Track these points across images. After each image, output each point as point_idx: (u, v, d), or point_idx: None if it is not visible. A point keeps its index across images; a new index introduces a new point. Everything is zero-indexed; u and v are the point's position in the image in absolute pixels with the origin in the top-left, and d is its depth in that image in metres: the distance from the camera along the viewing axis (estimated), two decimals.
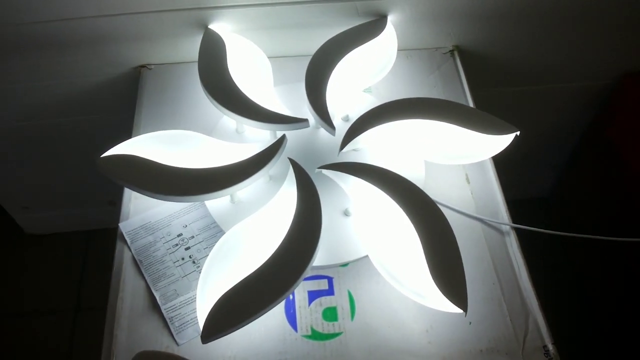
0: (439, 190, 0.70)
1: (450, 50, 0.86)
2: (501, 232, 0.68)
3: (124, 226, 0.67)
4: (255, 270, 0.55)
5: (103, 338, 0.59)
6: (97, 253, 1.26)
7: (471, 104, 0.80)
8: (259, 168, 0.62)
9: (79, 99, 0.92)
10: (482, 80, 0.93)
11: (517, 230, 0.68)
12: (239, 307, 0.53)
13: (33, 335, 1.17)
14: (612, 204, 1.05)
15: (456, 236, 0.65)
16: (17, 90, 0.89)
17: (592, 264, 1.19)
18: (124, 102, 0.84)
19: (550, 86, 0.98)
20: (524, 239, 0.68)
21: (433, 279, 0.54)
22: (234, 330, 0.52)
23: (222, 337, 0.52)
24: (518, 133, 0.66)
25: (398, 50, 0.82)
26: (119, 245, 0.66)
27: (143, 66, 0.85)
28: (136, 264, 0.64)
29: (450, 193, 0.71)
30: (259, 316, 0.53)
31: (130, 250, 0.65)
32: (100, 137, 0.81)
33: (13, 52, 0.80)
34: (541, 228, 0.69)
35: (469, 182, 0.72)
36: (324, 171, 0.64)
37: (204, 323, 0.52)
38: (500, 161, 0.71)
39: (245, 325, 0.53)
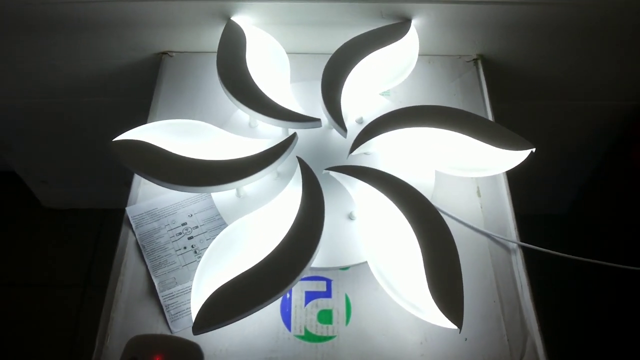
0: (448, 201, 0.69)
1: (474, 59, 0.85)
2: (507, 249, 0.66)
3: (131, 210, 0.67)
4: (253, 267, 0.55)
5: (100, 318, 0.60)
6: (110, 232, 1.27)
7: (490, 115, 0.78)
8: (265, 165, 0.61)
9: (101, 80, 0.93)
10: (505, 92, 0.91)
11: (525, 248, 0.66)
12: (232, 302, 0.53)
13: (41, 307, 1.20)
14: (631, 230, 1.02)
15: (461, 249, 0.64)
16: (43, 67, 0.90)
17: (604, 290, 1.16)
18: (144, 87, 0.85)
19: (574, 103, 0.96)
20: (533, 257, 0.66)
21: (430, 292, 0.53)
22: (225, 325, 0.52)
23: (213, 330, 0.52)
24: (534, 150, 0.65)
25: (420, 55, 0.81)
26: (124, 228, 0.67)
27: (165, 53, 0.86)
28: (139, 248, 0.65)
29: (459, 205, 0.70)
30: (252, 313, 0.53)
31: (135, 235, 0.66)
32: (119, 120, 0.82)
33: (41, 30, 0.81)
34: (555, 247, 0.67)
35: (479, 195, 0.71)
36: (332, 173, 0.63)
37: (197, 315, 0.52)
38: (517, 175, 0.69)
39: (237, 321, 0.53)
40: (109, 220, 1.31)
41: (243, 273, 0.54)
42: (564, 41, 0.83)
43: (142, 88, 0.85)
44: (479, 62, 0.84)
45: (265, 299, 0.53)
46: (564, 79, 0.91)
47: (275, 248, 0.56)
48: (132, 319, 0.60)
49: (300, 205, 0.59)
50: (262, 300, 0.53)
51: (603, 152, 1.10)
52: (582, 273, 1.20)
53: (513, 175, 0.72)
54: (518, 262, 0.65)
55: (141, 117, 0.77)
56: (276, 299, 0.55)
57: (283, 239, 0.56)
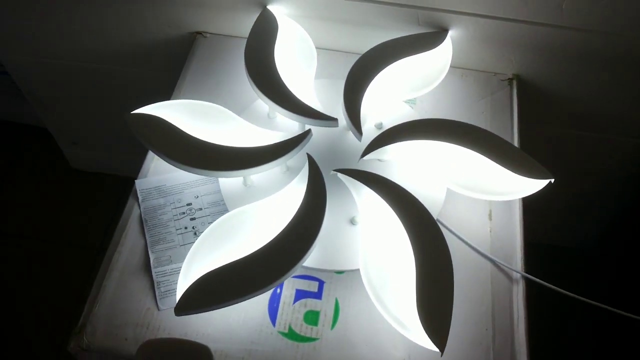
0: (456, 220, 0.67)
1: (509, 78, 0.82)
2: (510, 278, 0.64)
3: (139, 183, 0.68)
4: (244, 257, 0.55)
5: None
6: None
7: (516, 138, 0.75)
8: (274, 157, 0.61)
9: (136, 52, 0.95)
10: (536, 115, 0.89)
11: (528, 280, 0.64)
12: (218, 289, 0.53)
13: (54, 265, 1.24)
14: None
15: (462, 271, 0.63)
16: (85, 33, 0.93)
17: (604, 336, 1.11)
18: (175, 63, 0.86)
19: (608, 136, 0.92)
20: (537, 288, 0.64)
21: (417, 310, 0.52)
22: (208, 311, 0.53)
23: (195, 313, 0.53)
24: (552, 181, 0.62)
25: (454, 67, 0.79)
26: (130, 200, 0.68)
27: (199, 33, 0.86)
28: (142, 222, 0.66)
29: (468, 225, 0.68)
30: (236, 303, 0.53)
31: (140, 208, 0.67)
32: (149, 92, 0.84)
33: None
34: (569, 280, 0.64)
35: (490, 219, 0.69)
36: (339, 175, 0.62)
37: (181, 297, 0.52)
38: (540, 202, 0.67)
39: (220, 308, 0.53)
40: (130, 188, 1.34)
41: (233, 262, 0.54)
42: (606, 73, 0.79)
43: (175, 65, 0.86)
44: (514, 82, 0.82)
45: (251, 292, 0.53)
46: (600, 111, 0.87)
47: (269, 242, 0.56)
48: (123, 290, 0.61)
49: (302, 202, 0.58)
50: (248, 292, 0.53)
51: (632, 190, 1.05)
52: (586, 313, 1.16)
53: (534, 202, 0.70)
54: (519, 293, 0.63)
55: (166, 93, 0.78)
56: (263, 293, 0.54)
57: (278, 234, 0.56)
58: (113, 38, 0.93)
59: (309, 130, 0.64)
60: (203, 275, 0.53)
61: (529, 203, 0.69)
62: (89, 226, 1.30)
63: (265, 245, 0.55)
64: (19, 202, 1.34)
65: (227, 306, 0.53)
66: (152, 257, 0.63)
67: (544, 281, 0.64)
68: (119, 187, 1.35)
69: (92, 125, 1.20)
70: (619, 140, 0.92)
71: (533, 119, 0.82)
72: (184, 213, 0.67)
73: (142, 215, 0.66)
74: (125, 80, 1.02)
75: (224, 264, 0.54)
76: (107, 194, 1.35)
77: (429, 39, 0.75)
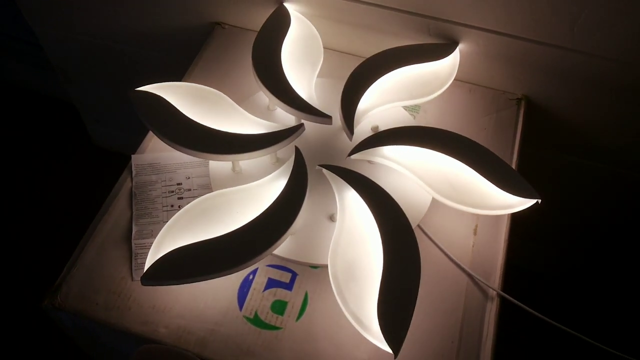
0: (440, 230, 0.67)
1: (518, 98, 0.81)
2: (485, 295, 0.63)
3: (136, 158, 0.71)
4: (214, 238, 0.56)
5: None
6: None
7: (514, 158, 0.74)
8: (263, 146, 0.62)
9: (159, 36, 0.98)
10: (540, 139, 0.87)
11: (504, 299, 0.63)
12: (186, 265, 0.54)
13: (62, 233, 1.28)
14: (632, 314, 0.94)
15: (438, 281, 0.63)
16: (116, 14, 0.96)
17: None
18: (194, 50, 0.89)
19: (612, 169, 0.89)
20: (513, 310, 0.63)
21: (377, 309, 0.52)
22: (173, 284, 0.54)
23: (160, 285, 0.54)
24: (539, 201, 0.61)
25: (463, 81, 0.79)
26: (124, 173, 0.70)
27: (219, 23, 0.89)
28: (132, 195, 0.68)
29: (451, 236, 0.67)
30: (201, 280, 0.54)
31: (132, 182, 0.69)
32: (164, 75, 0.86)
33: None
34: (549, 307, 0.62)
35: (475, 234, 0.68)
36: (324, 170, 0.63)
37: (149, 267, 0.54)
38: (527, 225, 0.66)
39: (185, 283, 0.54)
40: None
41: (204, 241, 0.55)
42: (616, 102, 0.78)
43: (194, 51, 0.89)
44: (522, 102, 0.81)
45: (216, 271, 0.54)
46: (606, 141, 0.85)
47: (242, 226, 0.57)
48: (102, 257, 0.63)
49: (282, 192, 0.59)
50: (213, 272, 0.54)
51: (620, 225, 1.02)
52: (557, 341, 1.12)
53: (522, 224, 0.69)
54: (491, 311, 0.62)
55: (178, 77, 0.81)
56: (229, 274, 0.55)
57: (252, 220, 0.57)
58: (142, 21, 0.96)
59: (301, 125, 0.65)
60: (173, 250, 0.55)
61: (516, 225, 0.68)
62: (98, 201, 1.34)
63: (237, 229, 0.56)
64: (38, 172, 1.39)
65: (191, 282, 0.54)
66: (134, 229, 0.64)
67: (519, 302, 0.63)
68: None
69: (114, 104, 1.24)
70: (619, 172, 0.90)
71: (535, 141, 0.81)
72: (172, 191, 0.68)
73: (133, 189, 0.68)
74: (147, 62, 1.06)
75: (195, 241, 0.56)
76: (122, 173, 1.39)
77: (438, 50, 0.75)
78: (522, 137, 0.77)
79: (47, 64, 1.19)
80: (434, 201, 0.67)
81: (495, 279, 0.64)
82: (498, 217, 0.68)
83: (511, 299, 0.63)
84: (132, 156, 0.71)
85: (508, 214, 0.67)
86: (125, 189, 0.69)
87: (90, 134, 1.40)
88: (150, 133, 0.74)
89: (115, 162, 1.39)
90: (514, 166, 0.73)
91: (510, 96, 0.81)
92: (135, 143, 1.34)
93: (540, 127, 0.83)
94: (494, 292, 0.63)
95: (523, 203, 0.62)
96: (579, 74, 0.75)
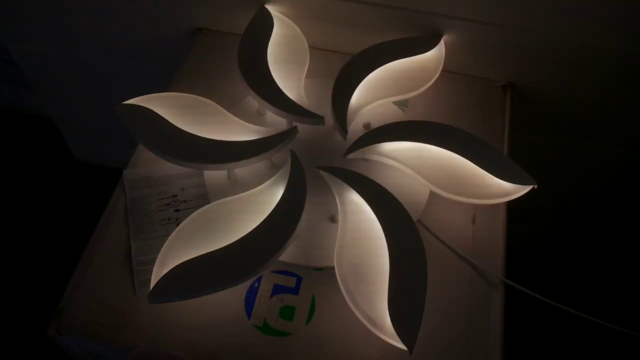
0: (440, 222, 0.67)
1: (503, 85, 0.82)
2: (489, 283, 0.64)
3: (127, 173, 0.69)
4: (219, 249, 0.55)
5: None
6: None
7: (505, 145, 0.75)
8: (258, 152, 0.62)
9: (139, 46, 0.96)
10: (529, 123, 0.88)
11: (508, 285, 0.64)
12: (192, 279, 0.54)
13: (53, 253, 1.25)
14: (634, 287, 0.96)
15: (442, 273, 0.63)
16: (90, 26, 0.94)
17: (582, 347, 1.09)
18: (177, 58, 0.87)
19: (601, 148, 0.91)
20: (517, 294, 0.64)
21: (389, 308, 0.52)
22: (180, 299, 0.53)
23: (168, 302, 0.53)
24: (535, 187, 0.62)
25: (448, 71, 0.79)
26: (117, 190, 0.69)
27: (200, 29, 0.87)
28: (127, 211, 0.67)
29: (451, 228, 0.67)
30: (209, 293, 0.54)
31: (126, 198, 0.68)
32: (148, 85, 0.85)
33: None
34: (551, 286, 0.63)
35: (474, 223, 0.68)
36: (322, 172, 0.63)
37: (155, 284, 0.53)
38: (524, 209, 0.67)
39: (193, 298, 0.54)
40: None
41: (208, 253, 0.55)
42: (601, 83, 0.79)
43: (176, 59, 0.87)
44: (509, 89, 0.81)
45: (224, 284, 0.54)
46: (594, 122, 0.86)
47: (245, 235, 0.56)
48: (103, 277, 0.62)
49: (281, 198, 0.59)
50: (222, 284, 0.54)
51: (618, 200, 1.04)
52: (565, 320, 1.15)
53: (518, 208, 0.69)
54: (497, 298, 0.62)
55: (164, 85, 0.79)
56: (237, 285, 0.55)
57: (255, 228, 0.57)
58: (117, 32, 0.95)
59: (294, 127, 0.65)
60: (178, 265, 0.54)
61: (513, 209, 0.69)
62: (87, 216, 1.31)
63: (241, 239, 0.56)
64: (21, 190, 1.36)
65: (199, 296, 0.54)
66: (134, 246, 0.63)
67: (524, 288, 0.63)
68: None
69: (94, 117, 1.22)
70: (610, 151, 0.91)
71: (524, 126, 0.82)
72: (168, 204, 0.67)
73: (127, 205, 0.67)
74: (128, 74, 1.04)
75: (199, 254, 0.55)
76: (109, 187, 1.37)
77: (423, 43, 0.75)
78: (511, 123, 0.77)
79: (23, 80, 1.16)
80: (431, 195, 0.68)
81: (498, 266, 0.65)
82: (495, 205, 0.68)
83: (514, 284, 0.64)
84: (124, 171, 0.70)
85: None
86: (119, 205, 0.67)
87: (71, 149, 1.37)
88: (140, 146, 0.73)
89: (100, 175, 1.38)
90: (505, 152, 0.74)
91: (496, 83, 0.82)
92: (118, 154, 1.32)
93: (527, 111, 0.84)
94: (498, 280, 0.64)
95: (520, 190, 0.63)
96: (561, 57, 0.76)
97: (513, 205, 0.68)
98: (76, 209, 1.33)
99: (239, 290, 0.61)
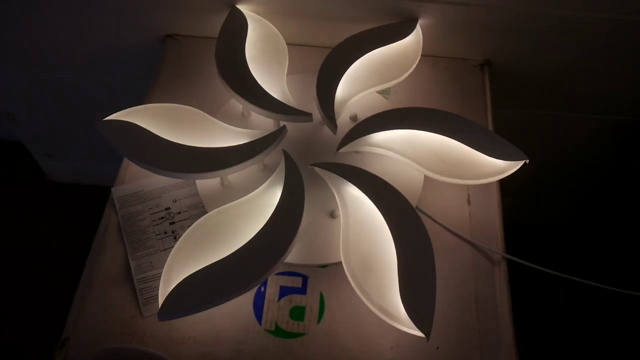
0: (436, 206, 0.68)
1: (480, 64, 0.83)
2: (491, 260, 0.65)
3: (116, 191, 0.68)
4: (224, 258, 0.54)
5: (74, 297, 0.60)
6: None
7: (490, 122, 0.76)
8: (250, 156, 0.61)
9: (105, 58, 0.93)
10: (509, 99, 0.90)
11: (510, 260, 0.65)
12: (200, 291, 0.53)
13: (35, 278, 1.22)
14: (631, 249, 0.99)
15: (444, 256, 0.63)
16: (53, 42, 0.91)
17: (588, 310, 1.13)
18: (147, 68, 0.85)
19: (581, 115, 0.93)
20: (519, 268, 0.65)
21: (401, 298, 0.53)
22: (191, 313, 0.52)
23: (179, 317, 0.52)
24: (527, 161, 0.63)
25: (425, 55, 0.79)
26: (107, 209, 0.67)
27: (170, 36, 0.85)
28: (120, 230, 0.65)
29: (447, 211, 0.68)
30: (220, 304, 0.53)
31: (117, 216, 0.66)
32: (123, 98, 0.83)
33: (51, 4, 0.81)
34: (550, 258, 0.65)
35: (469, 203, 0.69)
36: (316, 169, 0.62)
37: (164, 301, 0.52)
38: (516, 183, 0.68)
39: (204, 310, 0.53)
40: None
41: (214, 263, 0.54)
42: (574, 52, 0.80)
43: (146, 69, 0.85)
44: (486, 67, 0.82)
45: (234, 292, 0.53)
46: (571, 91, 0.88)
47: (250, 240, 0.55)
48: (105, 300, 0.60)
49: (280, 199, 0.58)
50: (231, 293, 0.53)
51: (606, 166, 1.07)
52: (568, 289, 1.18)
53: (510, 183, 0.70)
54: (500, 274, 0.63)
55: (140, 97, 0.77)
56: (245, 292, 0.54)
57: (258, 232, 0.56)
58: (82, 46, 0.91)
59: (283, 127, 0.64)
60: (184, 279, 0.53)
61: (504, 185, 0.70)
62: (69, 237, 1.28)
63: (245, 245, 0.55)
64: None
65: (210, 308, 0.53)
66: (132, 264, 0.62)
67: (524, 260, 0.65)
68: (99, 196, 1.33)
69: (66, 135, 1.18)
70: (590, 117, 0.94)
71: (506, 102, 0.83)
72: (162, 218, 0.66)
73: (120, 223, 0.65)
74: (98, 88, 1.01)
75: (204, 265, 0.54)
76: (87, 205, 1.33)
77: (399, 29, 0.75)
78: (492, 100, 0.78)
79: None
80: (425, 181, 0.68)
81: (497, 243, 0.66)
82: (488, 183, 0.69)
83: (516, 259, 0.65)
84: (112, 189, 0.68)
85: None
86: (112, 224, 0.66)
87: (44, 170, 1.33)
88: (125, 162, 0.71)
89: (76, 193, 1.35)
90: (491, 129, 0.75)
91: (473, 63, 0.83)
92: (93, 171, 1.29)
93: (507, 87, 0.85)
94: (499, 256, 0.65)
95: (513, 166, 0.63)
96: (535, 31, 0.77)
97: (503, 181, 0.69)
98: (57, 230, 1.30)
99: (246, 297, 0.60)
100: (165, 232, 0.65)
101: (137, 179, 0.69)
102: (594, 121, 0.94)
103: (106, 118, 0.65)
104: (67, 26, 0.87)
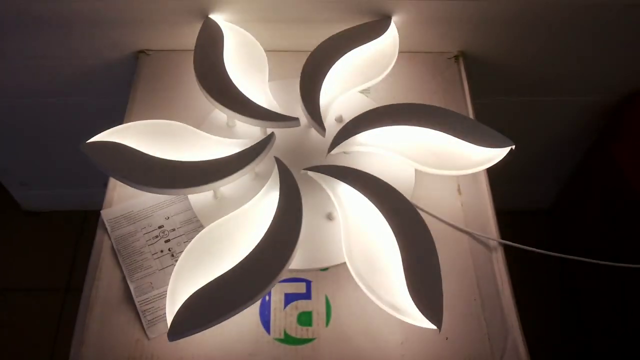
0: (428, 200, 0.69)
1: (455, 56, 0.84)
2: (488, 247, 0.66)
3: (106, 214, 0.66)
4: (228, 271, 0.54)
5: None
6: (92, 234, 1.26)
7: (470, 112, 0.77)
8: (242, 166, 0.60)
9: (77, 80, 0.91)
10: (487, 88, 0.91)
11: (505, 245, 0.66)
12: (208, 306, 0.52)
13: (21, 312, 1.18)
14: (613, 224, 1.02)
15: (441, 248, 0.64)
16: (19, 66, 0.88)
17: (587, 286, 1.16)
18: (121, 86, 0.83)
19: (557, 98, 0.96)
20: (514, 253, 0.66)
21: (409, 292, 0.53)
22: (202, 330, 0.52)
23: (189, 335, 0.51)
24: (513, 147, 0.65)
25: (402, 52, 0.80)
26: (99, 233, 0.65)
27: (141, 51, 0.84)
28: (115, 253, 0.63)
29: (440, 203, 0.69)
30: (229, 317, 0.52)
31: (110, 239, 0.64)
32: (98, 120, 0.81)
33: (14, 28, 0.79)
34: (539, 242, 0.66)
35: (460, 193, 0.70)
36: (310, 173, 0.62)
37: (172, 320, 0.51)
38: (501, 170, 0.69)
39: (214, 326, 0.52)
40: (90, 221, 1.29)
41: (219, 277, 0.53)
42: (544, 37, 0.83)
43: (121, 87, 0.84)
44: (460, 58, 0.84)
45: (242, 304, 0.52)
46: (547, 75, 0.91)
47: (252, 251, 0.55)
48: (108, 326, 0.59)
49: (278, 207, 0.58)
50: (239, 305, 0.52)
51: (585, 147, 1.10)
52: (564, 269, 1.22)
53: (495, 171, 0.72)
54: (498, 260, 0.65)
55: (118, 117, 0.76)
56: (253, 303, 0.54)
57: (260, 242, 0.55)
58: (52, 68, 0.89)
59: (272, 134, 0.64)
60: (191, 295, 0.52)
61: (491, 172, 0.71)
62: (51, 268, 1.24)
63: (247, 256, 0.55)
64: None
65: (219, 322, 0.52)
66: (132, 286, 0.61)
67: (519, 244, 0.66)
68: (77, 222, 1.30)
69: (40, 162, 1.15)
70: (563, 100, 0.97)
71: (483, 91, 0.84)
72: (157, 236, 0.65)
73: (114, 246, 0.64)
74: (71, 111, 0.99)
75: (208, 281, 0.53)
76: (66, 231, 1.30)
77: (374, 28, 0.76)
78: (470, 91, 0.80)
79: None
80: (415, 175, 0.69)
81: (492, 229, 0.67)
82: (476, 172, 0.71)
83: (512, 243, 0.66)
84: (102, 212, 0.66)
85: None
86: (105, 248, 0.64)
87: (18, 201, 1.29)
88: (112, 184, 0.69)
89: (53, 221, 1.31)
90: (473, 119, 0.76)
91: (447, 55, 0.84)
92: (69, 197, 1.26)
93: (483, 77, 0.86)
94: (495, 242, 0.66)
95: (500, 153, 0.65)
96: (506, 19, 0.79)
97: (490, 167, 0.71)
98: (37, 261, 1.26)
99: (252, 308, 0.59)
100: (162, 251, 0.64)
101: (126, 200, 0.68)
102: (569, 103, 0.97)
103: (90, 140, 0.63)
104: (35, 50, 0.85)
